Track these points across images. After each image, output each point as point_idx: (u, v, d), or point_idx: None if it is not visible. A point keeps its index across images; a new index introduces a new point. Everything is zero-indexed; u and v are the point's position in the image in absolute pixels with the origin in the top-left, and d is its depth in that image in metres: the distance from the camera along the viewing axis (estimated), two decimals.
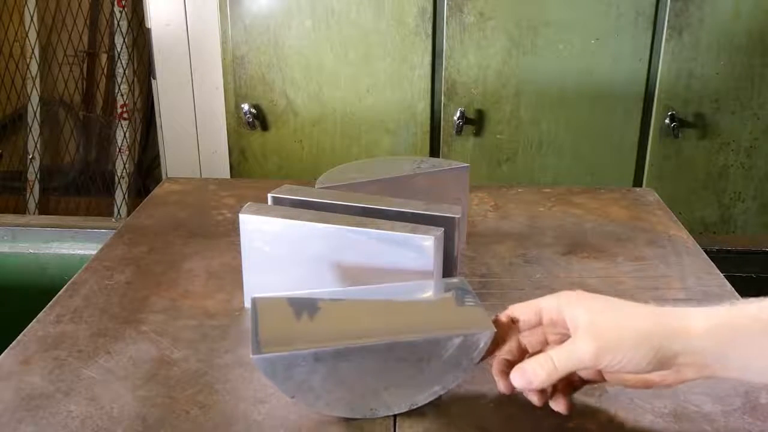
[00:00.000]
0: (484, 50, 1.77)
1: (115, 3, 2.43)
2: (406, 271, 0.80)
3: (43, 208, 2.67)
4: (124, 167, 2.49)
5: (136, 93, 2.58)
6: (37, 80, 2.60)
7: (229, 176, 1.92)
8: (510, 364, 0.66)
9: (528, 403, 0.67)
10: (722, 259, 1.29)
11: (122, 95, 2.48)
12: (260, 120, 1.87)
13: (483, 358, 0.68)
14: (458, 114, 1.81)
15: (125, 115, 2.49)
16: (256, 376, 0.76)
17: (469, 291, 0.73)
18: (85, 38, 2.69)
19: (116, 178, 2.49)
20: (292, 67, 1.82)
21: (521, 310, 0.68)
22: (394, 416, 0.71)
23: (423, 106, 1.82)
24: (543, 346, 0.68)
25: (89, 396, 0.73)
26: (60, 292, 0.94)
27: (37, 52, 2.58)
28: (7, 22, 2.66)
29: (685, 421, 0.70)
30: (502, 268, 1.03)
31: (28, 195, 2.64)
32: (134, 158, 2.59)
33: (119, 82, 2.47)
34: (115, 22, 2.44)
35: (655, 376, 0.63)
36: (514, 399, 0.71)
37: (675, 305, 0.64)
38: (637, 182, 1.86)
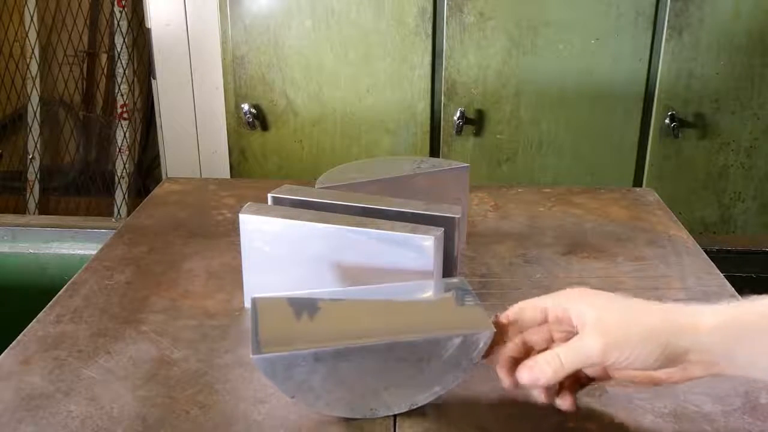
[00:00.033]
0: (484, 50, 1.77)
1: (115, 3, 2.43)
2: (406, 271, 0.80)
3: (43, 208, 2.67)
4: (124, 167, 2.49)
5: (136, 93, 2.58)
6: (37, 80, 2.60)
7: (229, 176, 1.92)
8: (515, 362, 0.66)
9: (528, 404, 0.67)
10: (722, 259, 1.29)
11: (122, 95, 2.48)
12: (260, 120, 1.87)
13: (486, 355, 0.67)
14: (458, 114, 1.81)
15: (125, 115, 2.49)
16: (256, 376, 0.76)
17: (469, 291, 0.73)
18: (85, 38, 2.69)
19: (116, 178, 2.49)
20: (292, 67, 1.82)
21: (526, 308, 0.68)
22: (394, 416, 0.71)
23: (423, 106, 1.82)
24: (548, 344, 0.68)
25: (89, 396, 0.73)
26: (60, 292, 0.94)
27: (37, 52, 2.58)
28: (7, 22, 2.66)
29: (685, 421, 0.70)
30: (502, 268, 1.03)
31: (28, 195, 2.64)
32: (134, 158, 2.59)
33: (119, 82, 2.47)
34: (115, 22, 2.44)
35: (661, 374, 0.63)
36: (514, 399, 0.72)
37: None
38: (637, 182, 1.86)
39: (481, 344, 0.66)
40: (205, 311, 0.90)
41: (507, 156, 1.86)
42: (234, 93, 1.85)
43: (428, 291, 0.77)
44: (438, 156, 1.86)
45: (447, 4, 1.74)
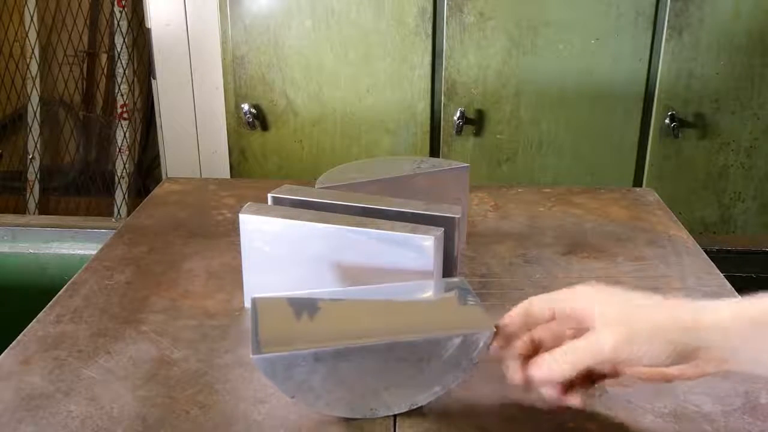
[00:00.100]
0: (484, 50, 1.77)
1: (115, 3, 2.43)
2: (406, 271, 0.80)
3: (43, 208, 2.67)
4: (124, 167, 2.48)
5: (136, 93, 2.57)
6: (37, 80, 2.60)
7: (229, 176, 1.92)
8: (524, 359, 0.65)
9: (528, 404, 0.67)
10: (722, 259, 1.29)
11: (122, 95, 2.48)
12: (260, 120, 1.87)
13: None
14: (458, 114, 1.81)
15: (125, 115, 2.49)
16: (256, 376, 0.76)
17: (469, 291, 0.73)
18: (85, 38, 2.69)
19: (116, 178, 2.49)
20: (292, 67, 1.82)
21: (534, 304, 0.67)
22: (394, 416, 0.71)
23: (423, 106, 1.82)
24: (558, 341, 0.67)
25: (89, 396, 0.73)
26: (60, 292, 0.94)
27: (37, 52, 2.58)
28: (7, 22, 2.66)
29: (685, 421, 0.70)
30: (502, 268, 1.03)
31: (28, 195, 2.64)
32: (134, 158, 2.59)
33: (119, 82, 2.47)
34: (115, 22, 2.44)
35: (674, 370, 0.63)
36: (514, 399, 0.72)
37: None
38: (637, 182, 1.86)
39: (481, 344, 0.66)
40: (205, 311, 0.90)
41: (507, 156, 1.86)
42: (234, 93, 1.85)
43: (428, 291, 0.77)
44: (438, 156, 1.86)
45: (447, 4, 1.74)
